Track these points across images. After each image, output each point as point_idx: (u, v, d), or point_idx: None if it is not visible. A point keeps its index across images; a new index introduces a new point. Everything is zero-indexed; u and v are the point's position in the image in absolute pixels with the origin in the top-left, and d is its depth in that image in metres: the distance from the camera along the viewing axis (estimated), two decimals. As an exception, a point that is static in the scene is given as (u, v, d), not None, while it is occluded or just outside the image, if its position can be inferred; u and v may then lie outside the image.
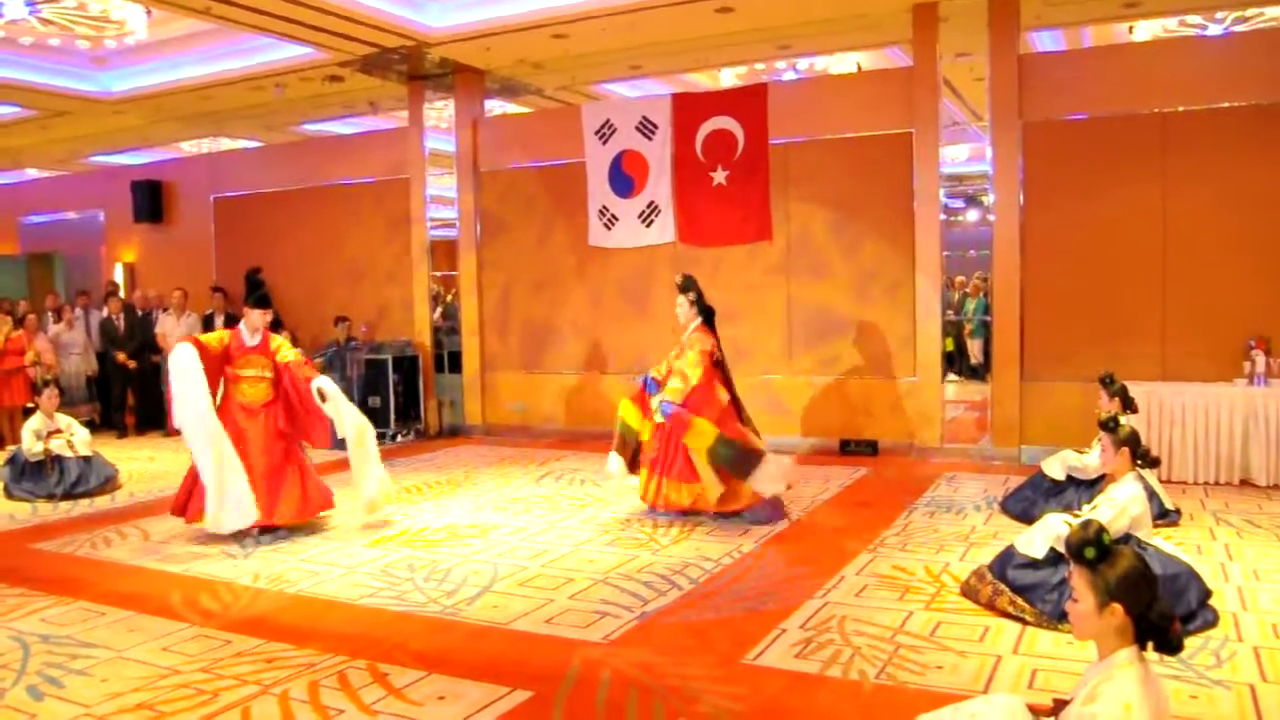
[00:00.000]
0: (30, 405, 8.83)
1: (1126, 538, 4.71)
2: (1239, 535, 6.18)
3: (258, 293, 6.94)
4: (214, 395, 6.67)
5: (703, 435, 6.65)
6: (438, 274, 12.53)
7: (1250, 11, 9.71)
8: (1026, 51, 9.68)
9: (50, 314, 12.56)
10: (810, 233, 9.76)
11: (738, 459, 6.64)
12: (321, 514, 6.96)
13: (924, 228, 9.18)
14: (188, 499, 6.65)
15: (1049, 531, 4.83)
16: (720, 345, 7.07)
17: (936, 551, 5.99)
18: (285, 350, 6.93)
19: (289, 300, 12.52)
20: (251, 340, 6.85)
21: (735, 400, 7.04)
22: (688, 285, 7.00)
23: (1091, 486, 6.30)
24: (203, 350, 6.61)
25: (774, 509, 6.79)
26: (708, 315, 6.99)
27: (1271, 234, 8.05)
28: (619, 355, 10.68)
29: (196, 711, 3.87)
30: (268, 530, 6.77)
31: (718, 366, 7.01)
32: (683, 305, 7.01)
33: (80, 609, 5.21)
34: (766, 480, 6.66)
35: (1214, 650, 4.24)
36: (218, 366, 6.72)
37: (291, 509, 6.69)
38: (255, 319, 6.85)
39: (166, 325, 12.00)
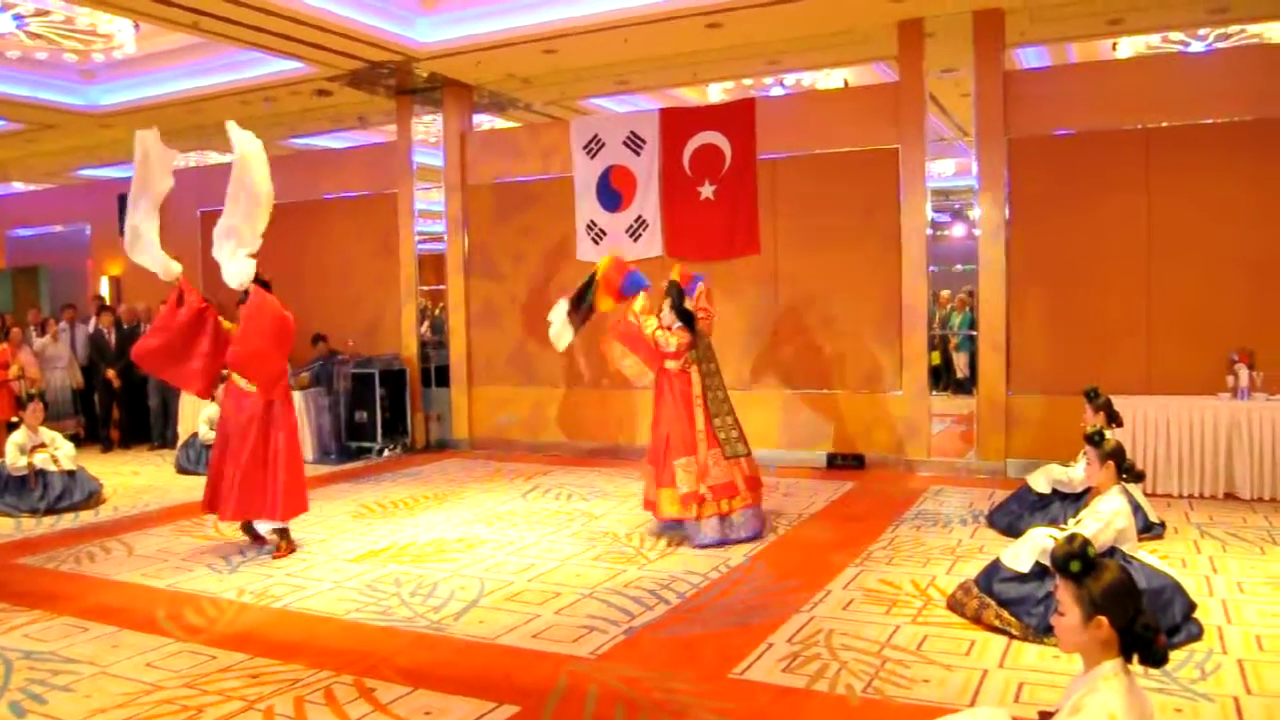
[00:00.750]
0: (14, 419, 8.77)
1: (1111, 551, 4.73)
2: (1223, 548, 6.21)
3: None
4: (215, 379, 6.94)
5: (599, 267, 7.28)
6: (425, 288, 12.53)
7: (1232, 29, 9.82)
8: (1012, 67, 9.76)
9: (34, 328, 12.49)
10: (797, 247, 9.79)
11: (578, 294, 7.22)
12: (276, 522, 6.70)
13: (910, 242, 9.22)
14: (214, 495, 6.72)
15: (1035, 545, 4.85)
16: (699, 348, 6.96)
17: (923, 565, 6.00)
18: None
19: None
20: None
21: (690, 405, 6.85)
22: (667, 290, 7.03)
23: (1077, 500, 6.32)
24: (215, 321, 6.78)
25: (750, 526, 6.77)
26: (687, 320, 6.92)
27: (1254, 248, 8.12)
28: (606, 369, 10.65)
29: (180, 728, 3.85)
30: (255, 538, 6.81)
31: (694, 364, 6.93)
32: (664, 311, 7.02)
33: (64, 624, 5.17)
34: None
35: (1199, 663, 4.26)
36: (223, 346, 6.72)
37: (241, 509, 6.63)
38: None
39: (153, 339, 11.93)
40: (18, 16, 8.83)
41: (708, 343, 7.06)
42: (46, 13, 8.81)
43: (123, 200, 13.53)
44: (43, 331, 12.29)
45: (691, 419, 6.83)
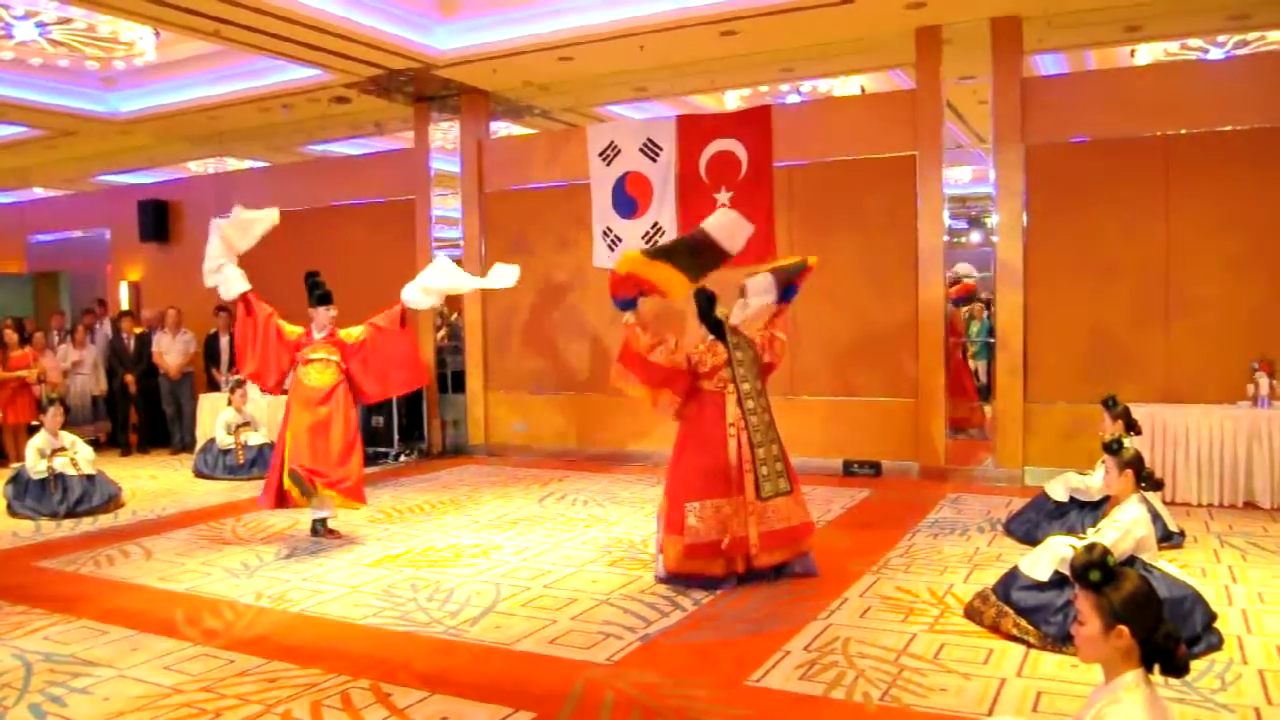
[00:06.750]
0: (35, 423, 8.84)
1: (1131, 560, 4.70)
2: (1243, 558, 6.16)
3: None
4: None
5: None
6: (442, 294, 12.52)
7: (1251, 36, 9.76)
8: (1029, 74, 9.71)
9: (57, 332, 12.60)
10: (813, 254, 9.74)
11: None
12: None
13: (927, 249, 9.20)
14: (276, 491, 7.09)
15: (1053, 554, 4.83)
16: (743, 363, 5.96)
17: (940, 573, 5.97)
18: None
19: (294, 319, 12.53)
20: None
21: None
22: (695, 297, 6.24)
23: (1095, 508, 6.29)
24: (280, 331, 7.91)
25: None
26: (717, 331, 6.03)
27: (1274, 256, 8.06)
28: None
29: (199, 731, 3.87)
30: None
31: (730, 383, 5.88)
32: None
33: (82, 627, 5.21)
34: None
35: (1219, 673, 4.23)
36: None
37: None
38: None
39: (162, 344, 12.04)
40: (40, 24, 8.92)
41: (753, 355, 6.00)
42: (68, 20, 8.90)
43: (141, 206, 13.70)
44: (64, 337, 12.39)
45: (722, 453, 5.74)
